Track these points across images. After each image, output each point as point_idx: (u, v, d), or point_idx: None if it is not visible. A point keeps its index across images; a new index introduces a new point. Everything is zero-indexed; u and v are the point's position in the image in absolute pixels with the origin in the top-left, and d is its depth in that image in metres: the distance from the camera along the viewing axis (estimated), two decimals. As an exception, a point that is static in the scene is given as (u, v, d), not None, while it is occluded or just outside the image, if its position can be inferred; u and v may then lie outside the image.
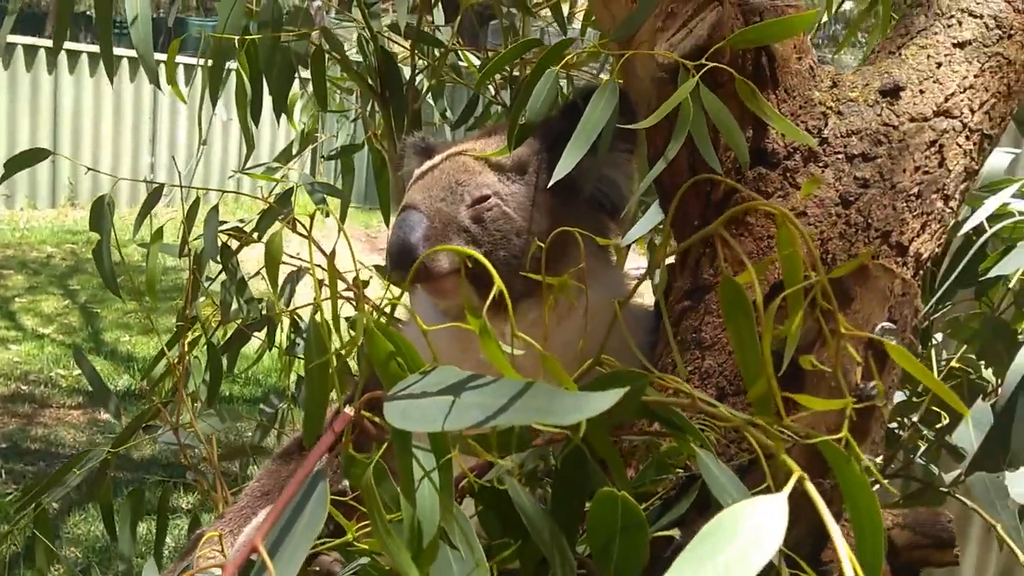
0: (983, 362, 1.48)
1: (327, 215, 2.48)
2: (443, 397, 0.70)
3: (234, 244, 1.93)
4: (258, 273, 1.87)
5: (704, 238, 1.25)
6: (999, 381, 1.46)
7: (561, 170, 1.19)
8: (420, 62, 1.93)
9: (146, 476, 4.72)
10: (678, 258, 1.33)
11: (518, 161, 1.40)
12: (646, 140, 1.36)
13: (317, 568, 1.11)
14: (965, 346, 1.47)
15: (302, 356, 2.12)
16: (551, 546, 0.88)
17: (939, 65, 1.24)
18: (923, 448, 1.63)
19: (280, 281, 2.20)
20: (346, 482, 1.20)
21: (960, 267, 1.39)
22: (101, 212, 1.81)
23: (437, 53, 1.96)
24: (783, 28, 1.12)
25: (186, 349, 1.91)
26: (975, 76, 1.24)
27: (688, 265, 1.28)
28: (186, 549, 1.46)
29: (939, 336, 1.61)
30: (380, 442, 0.77)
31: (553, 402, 0.66)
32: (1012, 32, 1.26)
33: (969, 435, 1.31)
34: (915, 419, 1.58)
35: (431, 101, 2.20)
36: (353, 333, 0.83)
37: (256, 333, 2.13)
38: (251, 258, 2.10)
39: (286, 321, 2.19)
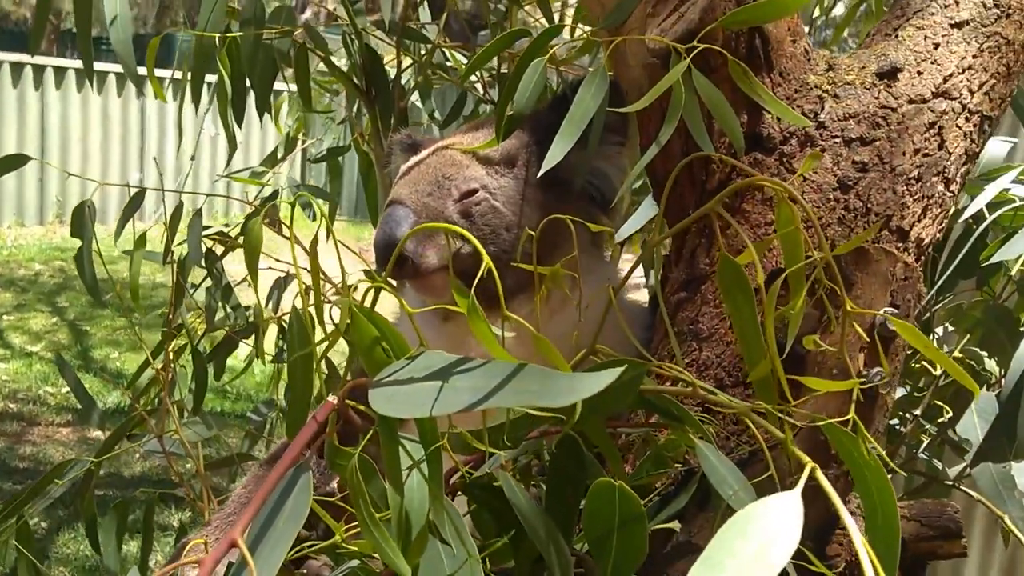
0: (986, 353, 1.45)
1: (314, 219, 2.46)
2: (431, 382, 0.66)
3: (219, 249, 1.89)
4: (244, 279, 1.83)
5: (699, 229, 1.22)
6: (1002, 372, 1.43)
7: (550, 161, 1.16)
8: (406, 60, 1.90)
9: (135, 494, 4.67)
10: (673, 249, 1.30)
11: (507, 154, 1.37)
12: (639, 129, 1.33)
13: (305, 571, 1.07)
14: (967, 337, 1.44)
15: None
16: (547, 542, 0.84)
17: (937, 46, 1.22)
18: (925, 443, 1.60)
19: (267, 288, 2.17)
20: (335, 484, 1.16)
21: (960, 255, 1.37)
22: (83, 218, 1.77)
23: (424, 50, 1.94)
24: (776, 8, 1.09)
25: (171, 357, 1.87)
26: (974, 56, 1.22)
27: (683, 256, 1.25)
28: (171, 557, 1.42)
29: (940, 331, 1.59)
30: (365, 432, 0.73)
31: (545, 384, 0.63)
32: (1010, 11, 1.24)
33: (974, 426, 1.28)
34: (917, 413, 1.55)
35: (419, 102, 2.17)
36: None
37: (244, 341, 2.08)
38: (237, 266, 2.06)
39: (274, 329, 2.15)
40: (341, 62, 1.97)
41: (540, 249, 1.26)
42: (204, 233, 1.83)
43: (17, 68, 10.24)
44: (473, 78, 2.05)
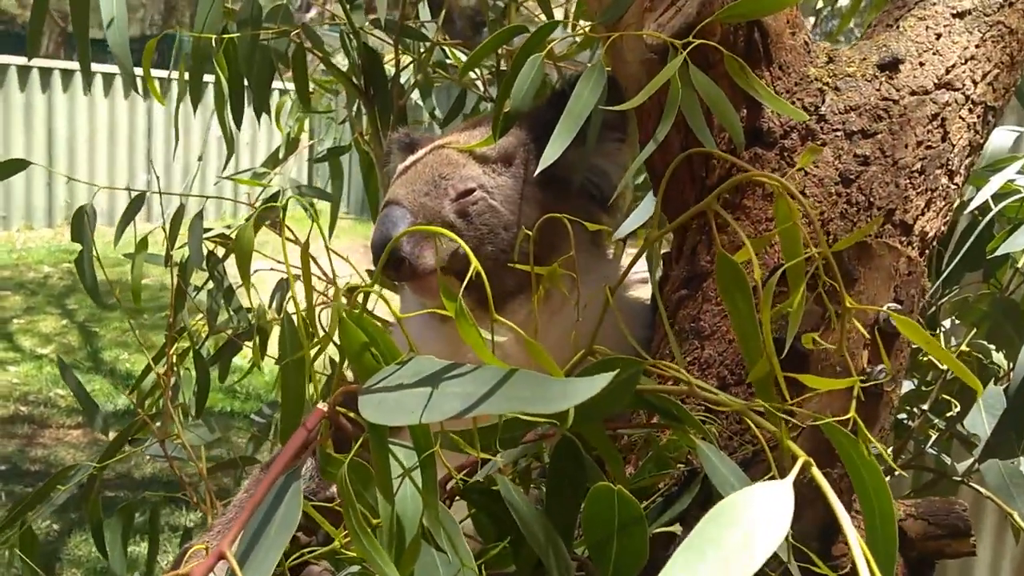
0: (993, 346, 1.43)
1: (313, 220, 2.45)
2: (421, 388, 0.65)
3: (220, 252, 1.88)
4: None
5: (700, 225, 1.21)
6: (1011, 365, 1.41)
7: (546, 159, 1.14)
8: (405, 58, 1.89)
9: (145, 495, 4.68)
10: (674, 246, 1.29)
11: (504, 153, 1.35)
12: (638, 126, 1.32)
13: (305, 577, 1.06)
14: (974, 330, 1.43)
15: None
16: (546, 547, 0.83)
17: (938, 36, 1.20)
18: (934, 438, 1.58)
19: (270, 289, 2.16)
20: (334, 488, 1.15)
21: (966, 247, 1.35)
22: (82, 223, 1.77)
23: (423, 48, 1.92)
24: (774, 0, 1.08)
25: (174, 361, 1.86)
26: (976, 46, 1.20)
27: (684, 253, 1.23)
28: (173, 563, 1.41)
29: (947, 323, 1.57)
30: (358, 439, 0.72)
31: (537, 389, 0.62)
32: (1013, 0, 1.22)
33: (982, 421, 1.27)
34: (925, 408, 1.53)
35: (419, 100, 2.16)
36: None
37: (247, 344, 2.08)
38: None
39: (278, 330, 2.14)
40: (341, 61, 1.96)
41: (539, 249, 1.25)
42: (205, 236, 1.82)
43: (24, 71, 10.26)
44: (473, 75, 2.03)
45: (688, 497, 1.00)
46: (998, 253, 1.30)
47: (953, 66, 1.18)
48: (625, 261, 1.59)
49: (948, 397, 1.53)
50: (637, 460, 1.09)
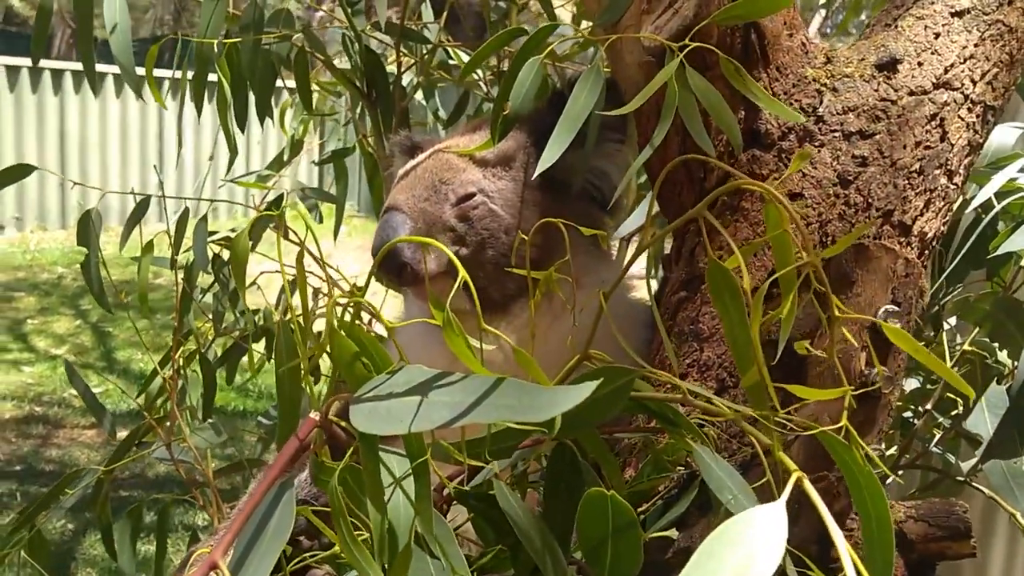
0: (997, 344, 1.42)
1: (320, 221, 2.45)
2: (410, 397, 0.65)
3: (225, 254, 1.89)
4: (253, 283, 1.83)
5: (699, 227, 1.20)
6: (1014, 364, 1.40)
7: (545, 161, 1.14)
8: (407, 60, 1.89)
9: (157, 495, 4.71)
10: (674, 248, 1.29)
11: (504, 156, 1.35)
12: (637, 129, 1.32)
13: (307, 581, 1.07)
14: (978, 329, 1.42)
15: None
16: (543, 552, 0.83)
17: (937, 36, 1.19)
18: (938, 436, 1.57)
19: (278, 290, 2.17)
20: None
21: (968, 245, 1.34)
22: (88, 227, 1.78)
23: (425, 50, 1.93)
24: (771, 2, 1.07)
25: (181, 363, 1.87)
26: (975, 45, 1.19)
27: (683, 255, 1.23)
28: (179, 566, 1.42)
29: (952, 320, 1.56)
30: (350, 447, 0.72)
31: (525, 398, 0.62)
32: (1012, -2, 1.21)
33: (985, 420, 1.26)
34: (929, 407, 1.52)
35: (423, 101, 2.16)
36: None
37: (255, 348, 2.08)
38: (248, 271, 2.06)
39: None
40: (344, 63, 1.97)
41: (540, 252, 1.25)
42: (211, 239, 1.83)
43: (36, 73, 10.31)
44: (477, 76, 2.03)
45: (687, 500, 1.00)
46: (1000, 251, 1.29)
47: (952, 65, 1.18)
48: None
49: (953, 395, 1.53)
50: (637, 463, 1.09)
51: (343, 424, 0.71)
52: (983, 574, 2.83)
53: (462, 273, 0.72)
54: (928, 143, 1.15)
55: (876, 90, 1.16)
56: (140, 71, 1.67)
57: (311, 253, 1.04)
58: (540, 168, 1.15)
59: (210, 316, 2.03)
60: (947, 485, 1.54)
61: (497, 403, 0.62)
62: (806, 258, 0.77)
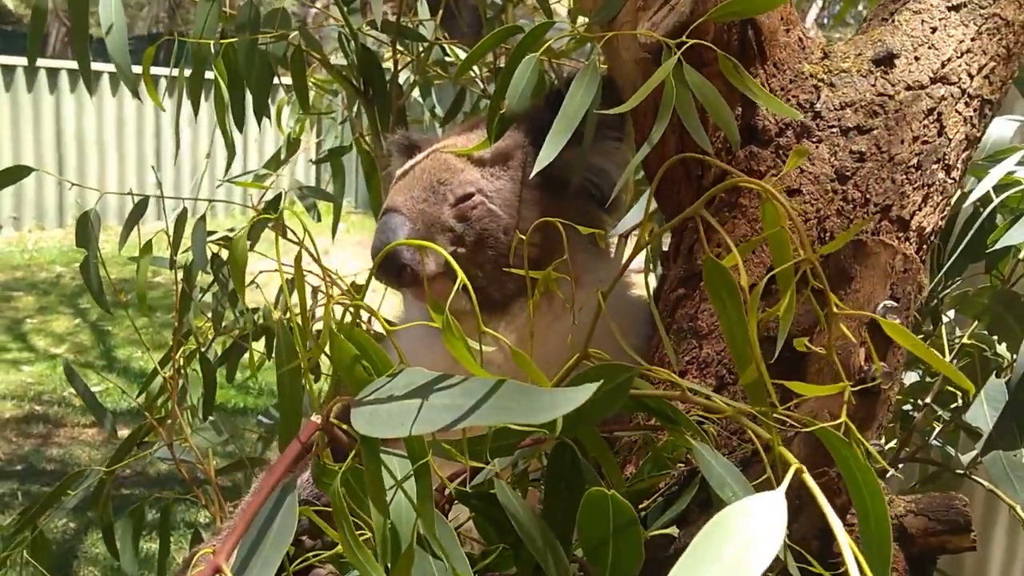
0: (996, 337, 1.43)
1: (319, 220, 2.45)
2: (411, 400, 0.66)
3: (224, 254, 1.89)
4: (252, 282, 1.83)
5: (697, 224, 1.20)
6: (1013, 357, 1.40)
7: (543, 159, 1.14)
8: (403, 57, 1.89)
9: (159, 494, 4.71)
10: (672, 245, 1.29)
11: (502, 155, 1.35)
12: (634, 126, 1.32)
13: (311, 581, 1.07)
14: (976, 322, 1.42)
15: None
16: (544, 551, 0.84)
17: (934, 30, 1.19)
18: (938, 430, 1.58)
19: (277, 288, 2.17)
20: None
21: (967, 239, 1.34)
22: (87, 228, 1.78)
23: (421, 48, 1.92)
24: (767, -2, 1.07)
25: (181, 363, 1.88)
26: (972, 39, 1.19)
27: (682, 252, 1.23)
28: (181, 565, 1.42)
29: (951, 314, 1.56)
30: (352, 449, 0.72)
31: (524, 400, 0.62)
32: (1008, -9, 1.21)
33: (984, 413, 1.26)
34: (928, 400, 1.53)
35: (420, 98, 2.16)
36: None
37: (256, 347, 2.09)
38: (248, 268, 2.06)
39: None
40: (341, 60, 1.96)
41: (539, 251, 1.25)
42: (209, 239, 1.83)
43: (31, 72, 10.28)
44: (474, 74, 2.03)
45: (687, 497, 1.00)
46: (999, 245, 1.29)
47: (949, 60, 1.18)
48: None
49: (952, 389, 1.53)
50: (637, 461, 1.09)
51: (344, 427, 0.71)
52: (984, 567, 2.82)
53: (460, 275, 0.72)
54: (926, 138, 1.15)
55: (873, 85, 1.16)
56: (136, 69, 1.67)
57: (310, 253, 1.04)
58: (538, 167, 1.15)
59: (210, 315, 2.03)
60: (947, 478, 1.54)
61: (497, 405, 0.62)
62: (807, 255, 0.77)
